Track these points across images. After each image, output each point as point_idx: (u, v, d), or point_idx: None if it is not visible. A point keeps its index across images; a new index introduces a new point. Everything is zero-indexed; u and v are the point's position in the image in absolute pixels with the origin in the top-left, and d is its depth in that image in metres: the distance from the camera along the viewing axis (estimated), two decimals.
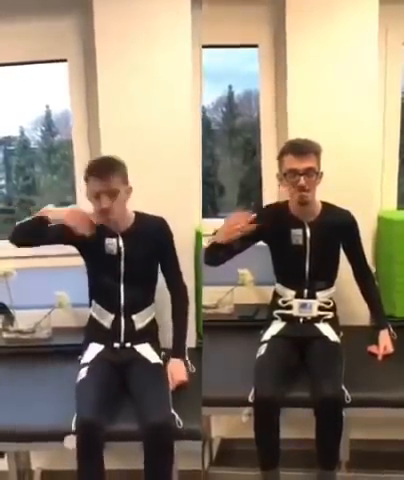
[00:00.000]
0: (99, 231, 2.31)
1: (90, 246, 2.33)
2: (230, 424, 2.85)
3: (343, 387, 2.17)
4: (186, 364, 2.34)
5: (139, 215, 2.38)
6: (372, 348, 2.50)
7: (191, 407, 2.14)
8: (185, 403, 2.14)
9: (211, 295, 2.61)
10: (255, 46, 2.98)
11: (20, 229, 2.27)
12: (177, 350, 2.35)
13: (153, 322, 2.42)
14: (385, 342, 2.50)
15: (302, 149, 2.31)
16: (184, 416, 2.06)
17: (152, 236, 2.35)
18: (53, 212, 2.25)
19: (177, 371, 2.28)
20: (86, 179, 2.25)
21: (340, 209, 2.48)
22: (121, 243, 2.33)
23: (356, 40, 2.71)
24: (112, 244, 2.32)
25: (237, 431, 2.74)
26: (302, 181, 2.30)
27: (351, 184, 2.75)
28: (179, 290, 2.44)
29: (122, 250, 2.32)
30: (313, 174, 2.32)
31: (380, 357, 2.46)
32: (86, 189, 2.27)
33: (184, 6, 2.55)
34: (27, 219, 2.26)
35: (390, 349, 2.48)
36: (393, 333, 2.55)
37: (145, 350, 2.33)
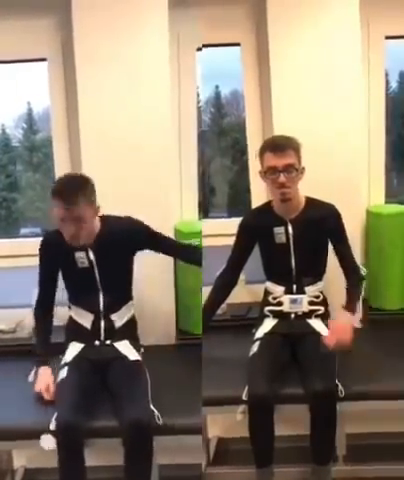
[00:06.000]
0: (67, 246, 2.25)
1: (62, 263, 2.33)
2: (226, 423, 2.85)
3: (336, 381, 2.18)
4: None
5: (106, 220, 2.30)
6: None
7: (189, 403, 2.16)
8: (185, 399, 2.17)
9: (202, 295, 2.60)
10: (238, 45, 2.95)
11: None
12: None
13: (132, 319, 2.42)
14: (335, 324, 2.25)
15: (280, 146, 2.32)
16: (180, 412, 2.09)
17: (123, 239, 2.29)
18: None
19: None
20: (52, 199, 2.17)
21: (323, 203, 2.47)
22: (92, 256, 2.29)
23: (338, 35, 2.72)
24: (82, 258, 2.29)
25: (233, 430, 2.74)
26: (282, 178, 2.31)
27: (339, 180, 2.75)
28: (188, 254, 2.46)
29: (94, 262, 2.29)
30: (293, 170, 2.32)
31: (330, 344, 2.19)
32: (53, 211, 2.19)
33: (162, 2, 2.54)
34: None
35: (342, 334, 2.19)
36: (358, 321, 2.38)
37: (124, 347, 2.33)
